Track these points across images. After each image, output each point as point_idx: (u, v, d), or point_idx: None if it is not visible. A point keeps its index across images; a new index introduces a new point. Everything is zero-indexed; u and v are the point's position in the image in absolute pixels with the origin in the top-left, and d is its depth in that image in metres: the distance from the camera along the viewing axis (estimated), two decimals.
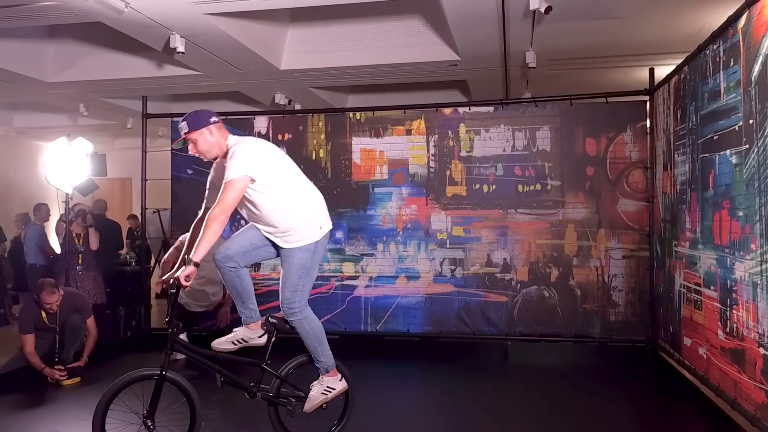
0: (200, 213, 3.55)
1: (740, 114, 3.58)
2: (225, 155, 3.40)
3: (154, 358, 6.16)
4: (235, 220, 5.80)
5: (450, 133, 6.37)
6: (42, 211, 8.31)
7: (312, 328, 3.57)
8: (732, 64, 3.72)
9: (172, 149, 6.72)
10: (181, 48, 6.10)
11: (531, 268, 6.14)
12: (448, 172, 6.34)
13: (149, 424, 3.26)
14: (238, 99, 9.36)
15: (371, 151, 6.52)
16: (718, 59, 3.96)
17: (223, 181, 3.25)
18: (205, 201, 3.57)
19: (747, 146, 3.48)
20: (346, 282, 6.48)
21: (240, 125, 6.74)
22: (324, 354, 3.61)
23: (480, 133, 6.30)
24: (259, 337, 3.57)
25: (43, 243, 8.04)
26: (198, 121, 3.39)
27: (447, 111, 6.44)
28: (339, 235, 6.50)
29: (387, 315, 6.37)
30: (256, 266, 6.54)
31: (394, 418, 4.47)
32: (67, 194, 6.33)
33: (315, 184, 6.35)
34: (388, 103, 7.34)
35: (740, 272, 3.59)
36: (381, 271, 6.41)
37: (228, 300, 5.97)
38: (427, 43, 7.01)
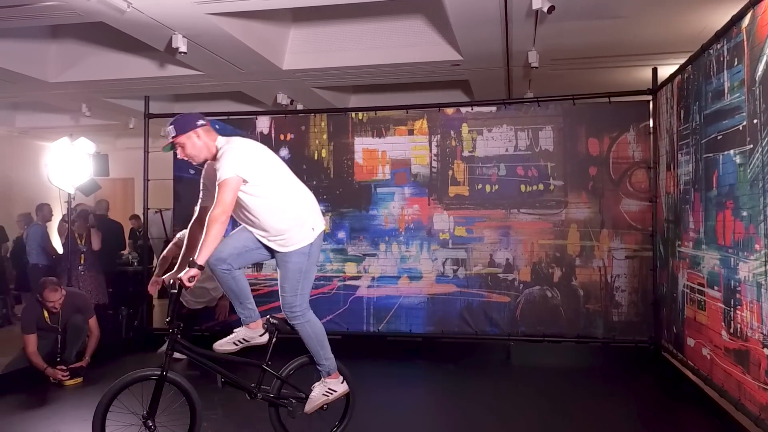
0: (195, 214, 3.54)
1: (744, 113, 3.57)
2: (214, 157, 3.37)
3: (156, 358, 6.21)
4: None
5: (452, 133, 6.36)
6: (44, 211, 8.32)
7: (314, 331, 3.56)
8: (736, 63, 3.71)
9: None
10: (183, 48, 6.10)
11: (534, 269, 6.13)
12: (450, 172, 6.33)
13: (150, 424, 3.26)
14: (240, 99, 9.36)
15: (374, 151, 6.51)
16: (721, 58, 3.95)
17: (216, 183, 3.23)
18: (199, 201, 3.55)
19: (751, 146, 3.46)
20: (348, 282, 6.47)
21: (242, 125, 6.74)
22: (326, 357, 3.61)
23: (482, 133, 6.29)
24: (260, 335, 3.56)
25: (45, 243, 8.05)
26: (185, 125, 3.36)
27: (449, 111, 6.42)
28: (341, 235, 6.50)
29: (389, 315, 6.36)
30: (258, 266, 6.55)
31: (397, 418, 4.46)
32: (69, 194, 6.33)
33: (317, 184, 6.53)
34: (391, 103, 7.32)
35: (744, 272, 3.57)
36: (383, 272, 6.40)
37: None
38: (430, 43, 7.00)
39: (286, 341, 3.68)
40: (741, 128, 3.61)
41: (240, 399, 3.59)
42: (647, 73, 6.10)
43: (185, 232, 3.59)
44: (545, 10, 5.20)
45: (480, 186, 6.26)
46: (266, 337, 3.56)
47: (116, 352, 6.30)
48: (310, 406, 3.57)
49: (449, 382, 5.53)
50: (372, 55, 7.21)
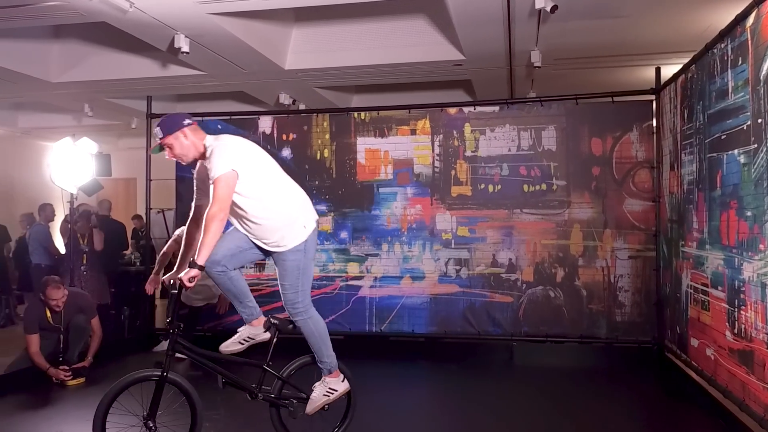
0: (191, 213, 3.52)
1: (748, 113, 3.55)
2: (203, 156, 3.36)
3: (153, 356, 6.22)
4: None
5: (455, 132, 6.34)
6: (47, 211, 8.32)
7: (317, 327, 3.55)
8: (740, 62, 3.69)
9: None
10: (185, 48, 6.10)
11: (536, 269, 6.11)
12: (453, 172, 6.32)
13: (150, 425, 3.25)
14: (243, 99, 9.36)
15: (376, 151, 6.50)
16: (725, 58, 3.93)
17: (210, 181, 3.21)
18: (194, 201, 3.54)
19: (755, 145, 3.45)
20: (350, 282, 6.46)
21: (244, 125, 6.73)
22: (328, 355, 3.59)
23: (485, 132, 6.28)
24: (264, 332, 3.56)
25: (47, 243, 8.06)
26: (172, 126, 3.34)
27: (452, 111, 6.41)
28: (344, 235, 6.49)
29: (392, 315, 6.35)
30: (260, 267, 6.55)
31: (399, 418, 4.45)
32: (71, 194, 6.34)
33: (320, 184, 6.53)
34: (393, 103, 7.31)
35: (748, 273, 3.56)
36: (386, 272, 6.40)
37: None
38: (432, 43, 7.00)
39: (287, 341, 3.68)
40: (745, 128, 3.59)
41: (244, 399, 3.58)
42: (650, 72, 6.09)
43: (184, 229, 3.59)
44: (548, 9, 5.20)
45: (483, 186, 6.25)
46: (270, 333, 3.55)
47: (118, 352, 6.29)
48: (311, 407, 3.57)
49: (452, 382, 5.52)
50: (374, 54, 7.20)
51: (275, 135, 6.70)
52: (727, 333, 3.90)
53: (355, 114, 6.64)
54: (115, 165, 7.77)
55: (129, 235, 9.49)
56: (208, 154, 3.30)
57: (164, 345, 6.30)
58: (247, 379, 3.55)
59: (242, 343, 3.53)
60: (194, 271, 3.14)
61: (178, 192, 6.89)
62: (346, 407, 3.78)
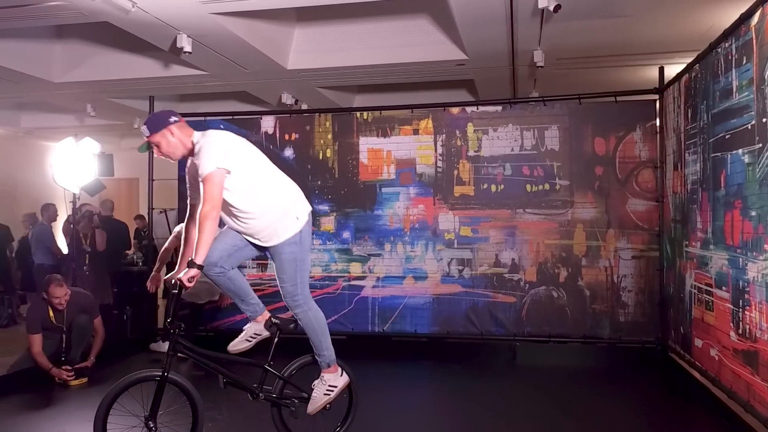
0: (188, 212, 3.50)
1: (753, 112, 3.54)
2: (192, 153, 3.33)
3: (155, 356, 6.21)
4: None
5: (458, 132, 6.33)
6: (49, 211, 8.33)
7: (317, 319, 3.53)
8: (744, 62, 3.68)
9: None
10: (188, 48, 6.10)
11: (539, 269, 6.10)
12: (455, 172, 6.31)
13: (151, 425, 3.23)
14: (245, 99, 9.36)
15: (378, 151, 6.49)
16: (730, 57, 3.92)
17: (200, 179, 3.19)
18: (188, 200, 3.52)
19: (760, 145, 3.43)
20: (353, 282, 6.45)
21: (247, 125, 6.72)
22: (326, 347, 3.57)
23: (488, 132, 6.27)
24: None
25: (50, 243, 8.06)
26: (158, 123, 3.32)
27: (455, 110, 6.40)
28: (346, 235, 6.48)
29: (394, 315, 6.34)
30: (263, 267, 6.54)
31: (402, 419, 4.44)
32: (74, 194, 6.34)
33: (322, 184, 6.53)
34: (395, 103, 7.30)
35: (753, 273, 3.54)
36: (388, 272, 6.39)
37: None
38: (435, 43, 6.99)
39: (288, 341, 3.67)
40: (750, 127, 3.58)
41: (243, 399, 3.57)
42: (654, 72, 6.07)
43: (183, 226, 3.58)
44: (551, 8, 5.19)
45: (485, 186, 6.24)
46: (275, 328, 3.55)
47: (121, 352, 6.30)
48: (312, 407, 3.55)
49: (454, 382, 5.51)
50: (377, 54, 7.20)
51: (277, 135, 6.69)
52: (732, 333, 3.88)
53: (358, 114, 6.63)
54: (117, 165, 7.78)
55: (131, 235, 9.49)
56: (196, 151, 3.28)
57: (161, 343, 6.34)
58: (249, 379, 3.54)
59: (249, 341, 3.54)
60: (193, 271, 3.13)
61: (180, 192, 6.87)
62: (348, 406, 3.76)
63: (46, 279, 5.45)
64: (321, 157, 6.61)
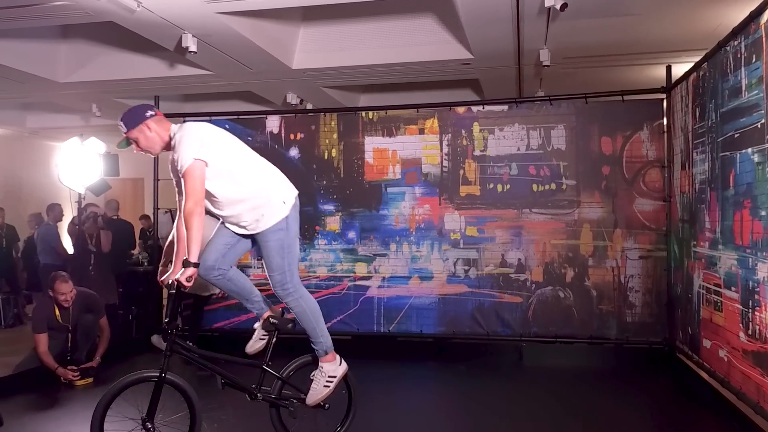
0: (178, 212, 3.43)
1: (762, 111, 3.50)
2: (170, 147, 3.28)
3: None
4: None
5: (463, 132, 6.31)
6: (55, 211, 8.34)
7: (309, 306, 3.47)
8: (754, 60, 3.64)
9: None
10: (193, 47, 6.09)
11: (546, 269, 6.07)
12: (461, 172, 6.28)
13: (149, 426, 3.20)
14: (250, 99, 9.35)
15: (384, 151, 6.47)
16: (739, 55, 3.88)
17: (180, 174, 3.15)
18: (176, 196, 3.45)
19: None
20: (358, 282, 6.43)
21: (252, 125, 6.72)
22: (322, 334, 3.51)
23: (494, 132, 6.24)
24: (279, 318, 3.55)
25: (56, 243, 8.07)
26: (134, 119, 3.26)
27: (460, 110, 6.37)
28: (351, 235, 6.46)
29: (400, 316, 6.32)
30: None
31: (407, 419, 4.41)
32: (79, 194, 6.34)
33: (327, 183, 6.51)
34: (401, 102, 7.27)
35: (763, 273, 3.51)
36: (394, 272, 6.36)
37: None
38: (440, 42, 6.96)
39: (287, 341, 3.65)
40: (759, 126, 3.54)
41: (241, 399, 3.55)
42: (661, 71, 6.03)
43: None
44: (557, 7, 5.15)
45: (491, 185, 6.21)
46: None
47: (126, 352, 6.30)
48: (311, 399, 3.48)
49: (460, 383, 5.49)
50: (382, 54, 7.17)
51: (283, 135, 6.68)
52: (741, 334, 3.84)
53: (363, 113, 6.61)
54: (122, 165, 7.79)
55: (137, 235, 9.50)
56: (173, 145, 3.24)
57: (159, 339, 6.33)
58: (247, 380, 3.52)
59: (263, 339, 3.53)
60: (190, 270, 3.11)
61: None
62: (348, 405, 3.72)
63: (51, 276, 5.46)
64: (326, 157, 6.59)
